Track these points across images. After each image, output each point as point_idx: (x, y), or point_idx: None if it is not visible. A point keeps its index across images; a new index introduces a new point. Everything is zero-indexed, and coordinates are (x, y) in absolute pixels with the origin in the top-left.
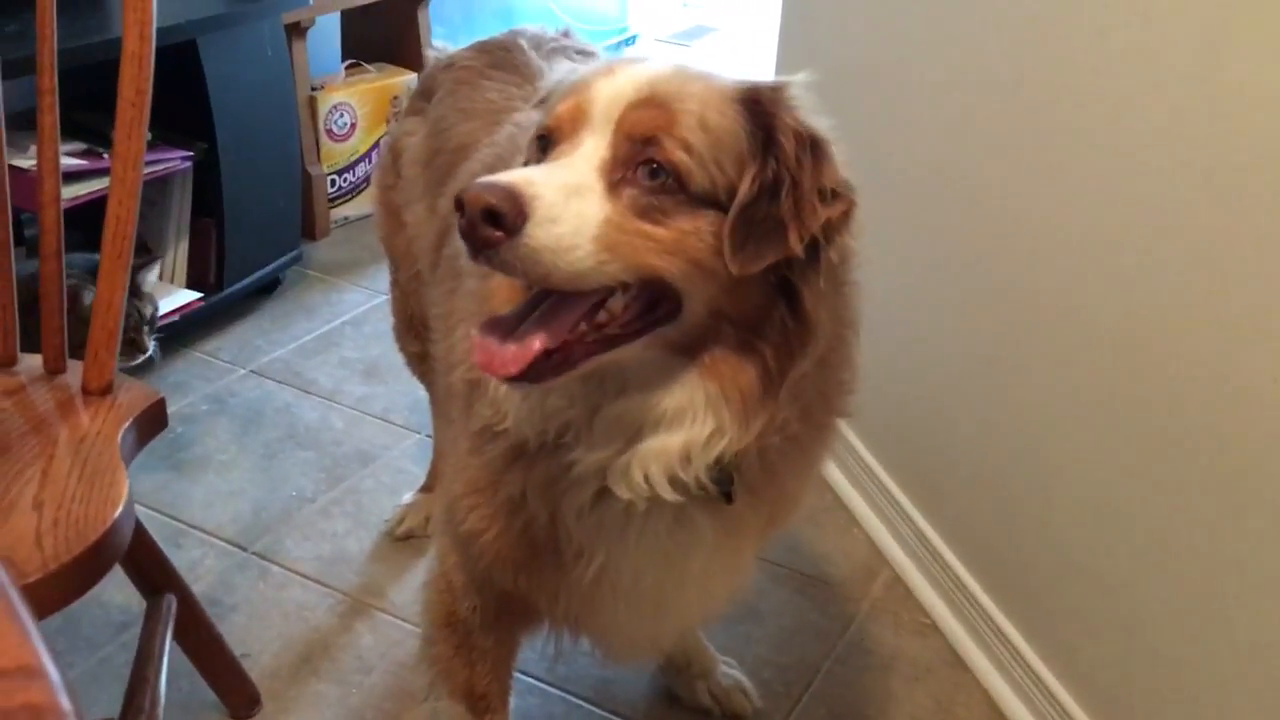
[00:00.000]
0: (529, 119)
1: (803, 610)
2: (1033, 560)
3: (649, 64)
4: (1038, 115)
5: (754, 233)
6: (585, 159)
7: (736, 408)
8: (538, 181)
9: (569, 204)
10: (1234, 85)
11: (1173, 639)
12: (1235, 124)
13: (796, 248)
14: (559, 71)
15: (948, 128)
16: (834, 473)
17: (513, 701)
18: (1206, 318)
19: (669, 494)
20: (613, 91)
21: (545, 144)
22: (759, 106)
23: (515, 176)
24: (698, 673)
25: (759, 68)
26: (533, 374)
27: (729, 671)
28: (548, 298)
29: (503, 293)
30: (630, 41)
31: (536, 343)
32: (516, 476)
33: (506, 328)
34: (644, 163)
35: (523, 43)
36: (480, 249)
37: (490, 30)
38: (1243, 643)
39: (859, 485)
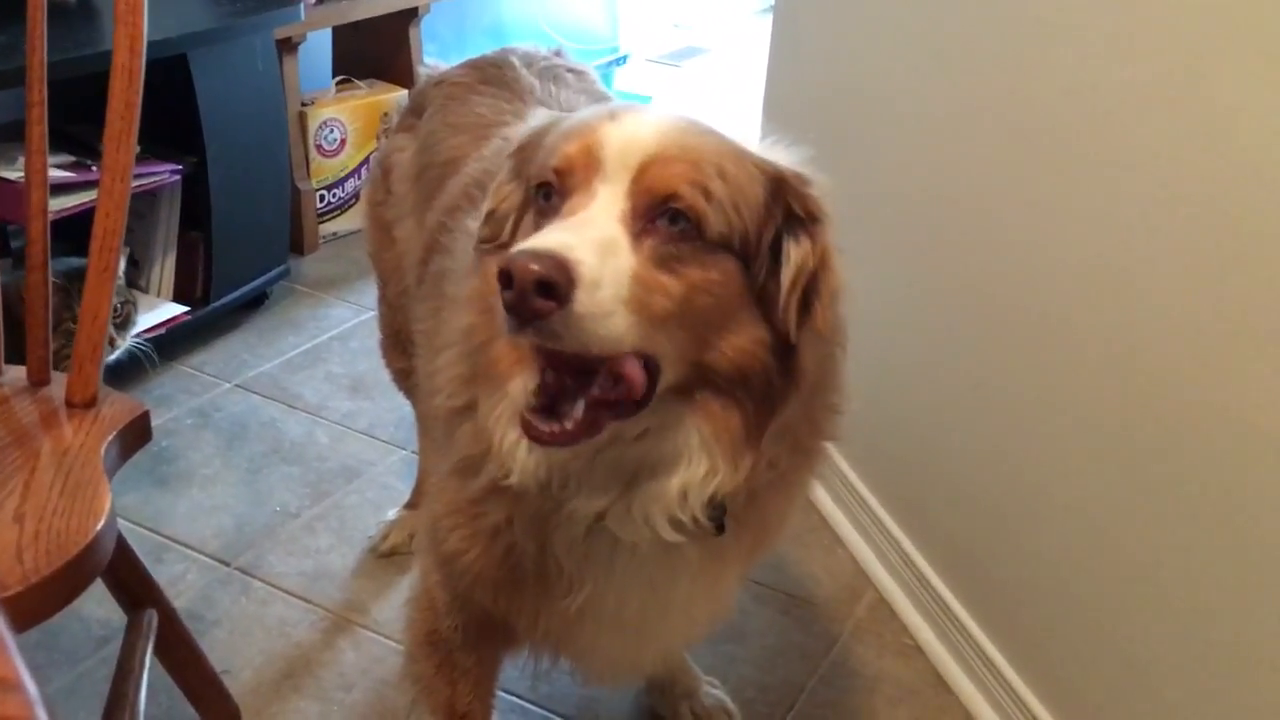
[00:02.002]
0: (503, 153)
1: (787, 630)
2: (1017, 582)
3: (654, 113)
4: (1021, 133)
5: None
6: (606, 211)
7: (727, 448)
8: (576, 244)
9: (606, 265)
10: (1218, 106)
11: (1160, 662)
12: (1220, 142)
13: (825, 328)
14: (537, 119)
15: (933, 148)
16: (819, 493)
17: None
18: (1189, 339)
19: (669, 535)
20: (626, 140)
21: (548, 191)
22: (782, 180)
23: (554, 242)
24: (681, 693)
25: (749, 89)
26: (570, 439)
27: (712, 691)
28: (562, 361)
29: (507, 358)
30: (621, 61)
31: (576, 415)
32: (502, 508)
33: (546, 402)
34: (664, 213)
35: (514, 60)
36: (530, 321)
37: (481, 48)
38: (1232, 666)
39: (843, 505)
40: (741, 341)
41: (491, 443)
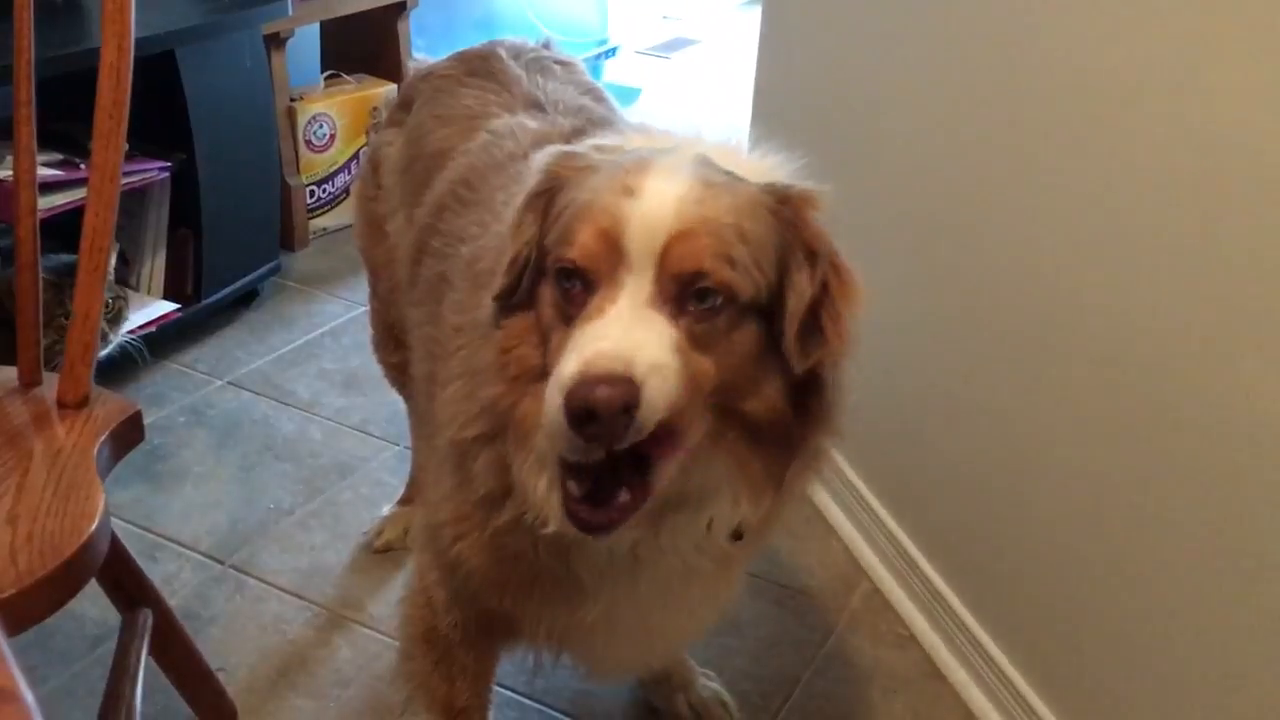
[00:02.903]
0: (517, 224)
1: (781, 622)
2: (1010, 572)
3: (670, 178)
4: (1012, 122)
5: (805, 333)
6: (634, 300)
7: (749, 487)
8: (629, 352)
9: (658, 360)
10: (1210, 102)
11: (1152, 651)
12: (1213, 138)
13: (839, 346)
14: (548, 156)
15: (923, 140)
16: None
17: (491, 715)
18: (1183, 332)
19: (695, 561)
20: (646, 221)
21: (569, 274)
22: (792, 207)
23: (611, 358)
24: (677, 685)
25: (738, 80)
26: (621, 520)
27: (708, 684)
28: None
29: (534, 414)
30: (610, 53)
31: (623, 497)
32: (525, 538)
33: (590, 486)
34: (694, 293)
35: (501, 52)
36: (604, 443)
37: (471, 41)
38: (1224, 653)
39: (837, 497)
40: (766, 393)
41: (526, 494)
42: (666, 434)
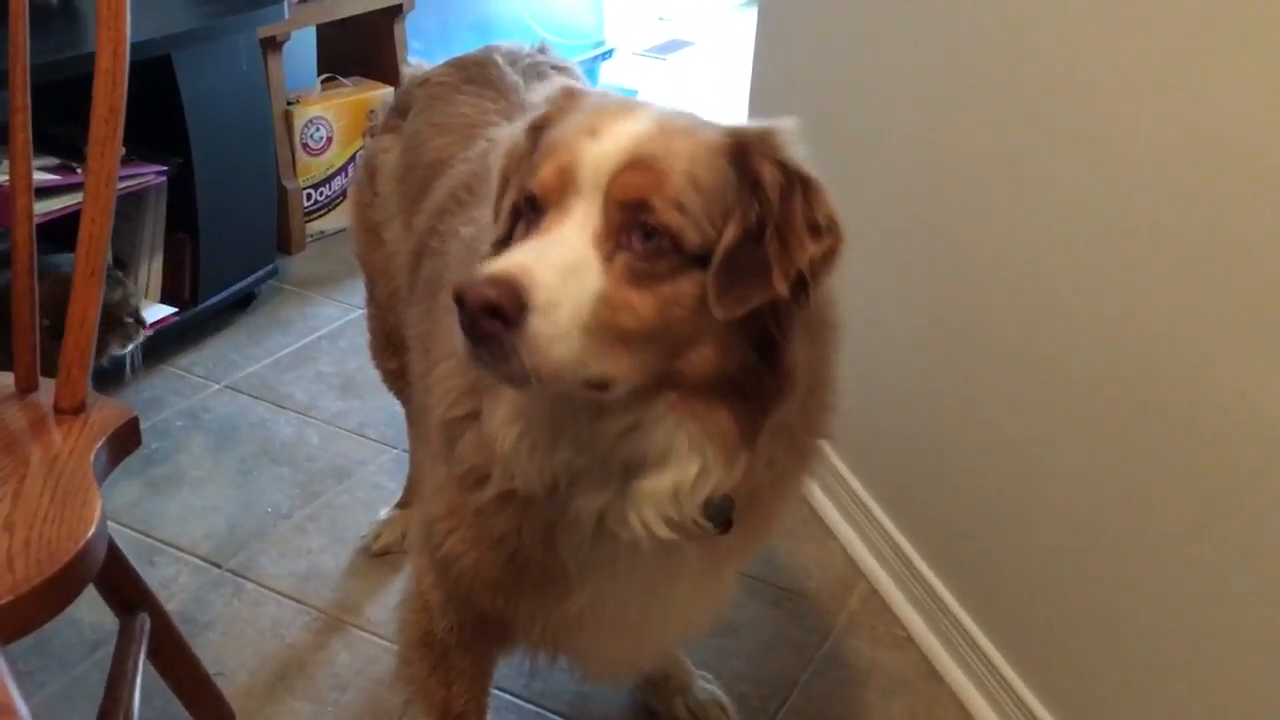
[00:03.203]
0: (511, 132)
1: (779, 624)
2: (1008, 573)
3: (634, 119)
4: (1010, 124)
5: (739, 277)
6: (577, 230)
7: (719, 449)
8: (535, 266)
9: (567, 286)
10: (1206, 99)
11: (1148, 652)
12: (1208, 135)
13: (781, 288)
14: (544, 91)
15: (921, 140)
16: (810, 486)
17: (490, 719)
18: (1179, 334)
19: (664, 533)
20: (598, 155)
21: (532, 204)
22: (745, 153)
23: (513, 265)
24: (675, 688)
25: (734, 82)
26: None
27: (706, 686)
28: None
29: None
30: (607, 56)
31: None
32: (510, 518)
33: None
34: (638, 227)
35: (498, 58)
36: (481, 344)
37: (467, 44)
38: (1219, 657)
39: (835, 498)
40: (709, 351)
41: (495, 448)
42: None
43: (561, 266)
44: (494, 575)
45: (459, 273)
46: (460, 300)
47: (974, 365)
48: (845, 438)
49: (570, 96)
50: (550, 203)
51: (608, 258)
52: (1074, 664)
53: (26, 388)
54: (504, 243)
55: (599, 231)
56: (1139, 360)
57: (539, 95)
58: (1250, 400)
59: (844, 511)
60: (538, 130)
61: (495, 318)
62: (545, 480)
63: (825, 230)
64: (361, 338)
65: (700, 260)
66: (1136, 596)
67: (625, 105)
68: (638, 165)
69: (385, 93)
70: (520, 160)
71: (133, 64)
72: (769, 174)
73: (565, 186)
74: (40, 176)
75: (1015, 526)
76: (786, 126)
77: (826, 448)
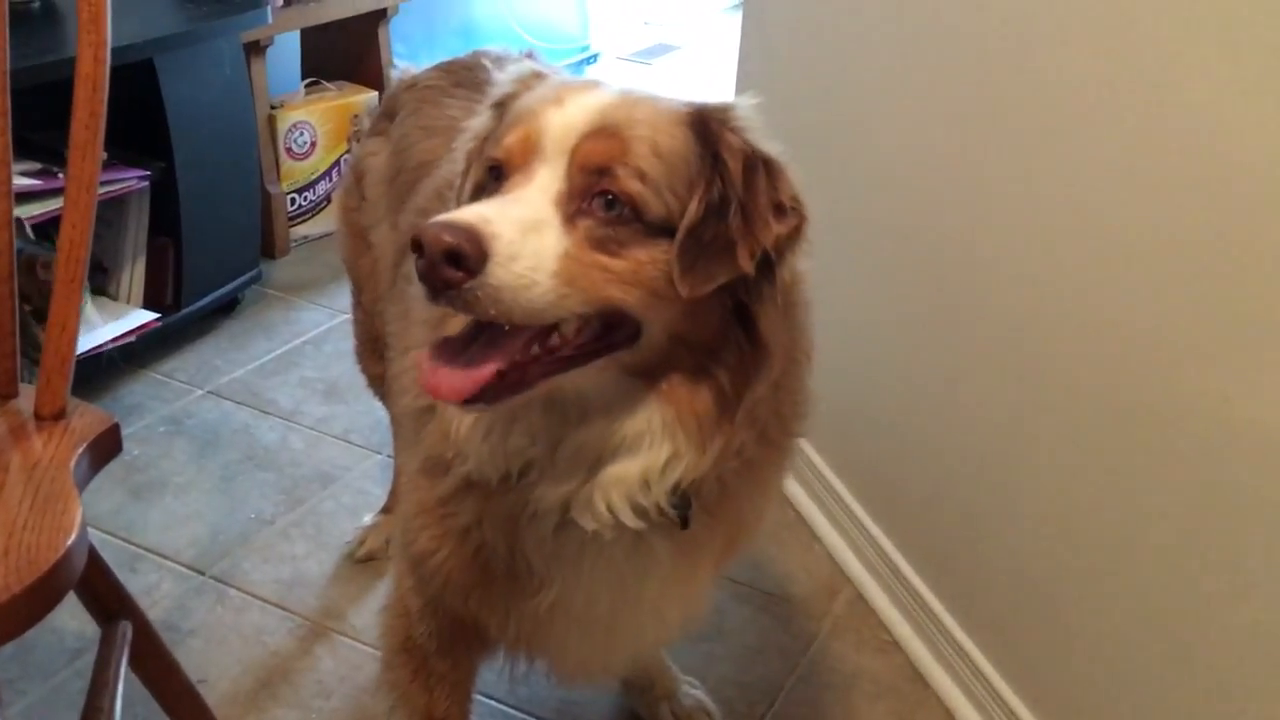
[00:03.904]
0: (478, 123)
1: (765, 628)
2: (993, 577)
3: (598, 91)
4: (996, 127)
5: (704, 253)
6: (540, 191)
7: (692, 433)
8: (495, 219)
9: (527, 240)
10: (1195, 100)
11: (1132, 654)
12: (1197, 135)
13: (746, 265)
14: (510, 72)
15: (906, 143)
16: (795, 490)
17: None
18: (1163, 336)
19: (631, 521)
20: (563, 122)
21: (498, 173)
22: (707, 128)
23: (472, 215)
24: (661, 693)
25: (720, 86)
26: (487, 396)
27: (692, 692)
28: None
29: (456, 320)
30: (592, 60)
31: (489, 365)
32: (471, 508)
33: (455, 350)
34: (599, 194)
35: (486, 63)
36: (441, 290)
37: (451, 49)
38: (1205, 655)
39: (820, 502)
40: (689, 323)
41: (450, 434)
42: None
43: (522, 222)
44: (462, 574)
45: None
46: (419, 245)
47: (959, 369)
48: (831, 442)
49: (537, 76)
50: (514, 167)
51: (569, 220)
52: (1059, 668)
53: (6, 394)
54: None
55: (561, 194)
56: (1123, 364)
57: (505, 75)
58: (1233, 403)
59: (829, 516)
60: (503, 106)
61: (455, 266)
62: (499, 467)
63: (790, 210)
64: (346, 343)
65: (664, 231)
66: (1121, 600)
67: (589, 81)
68: (602, 132)
69: (369, 97)
70: (485, 139)
71: (115, 68)
72: (731, 147)
73: (529, 152)
74: (21, 181)
75: (1000, 531)
76: (746, 103)
77: (812, 451)
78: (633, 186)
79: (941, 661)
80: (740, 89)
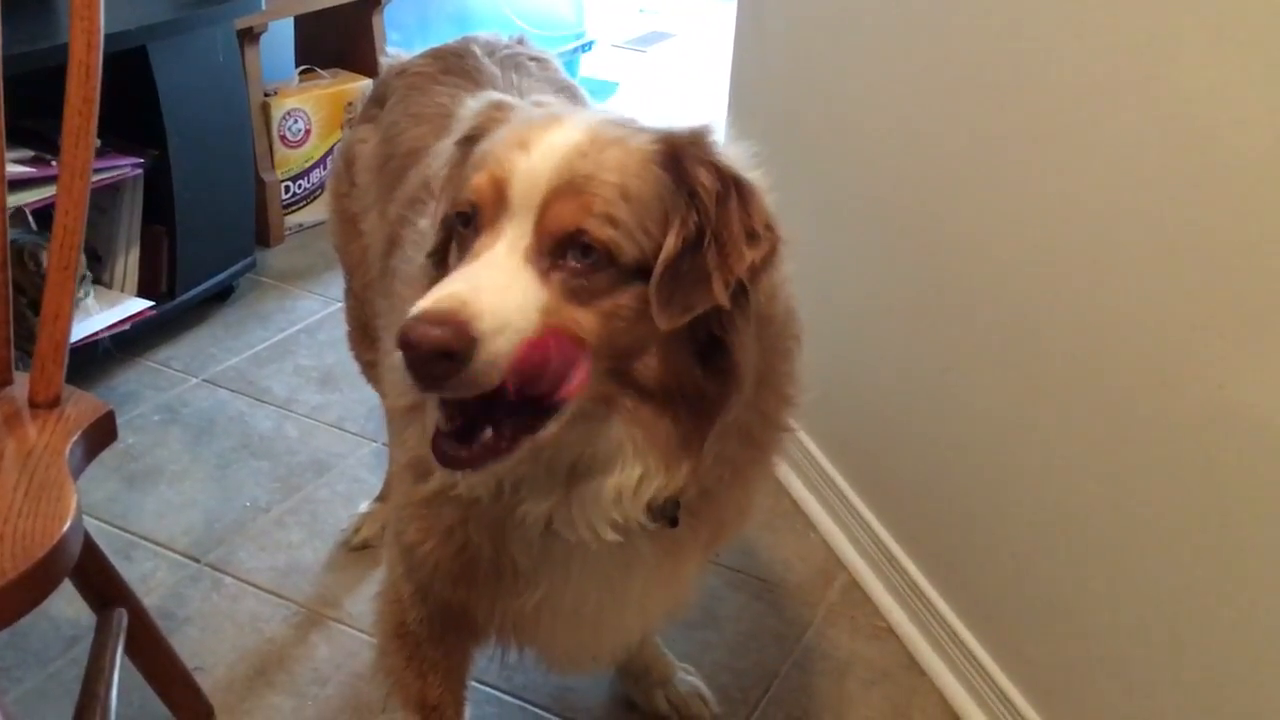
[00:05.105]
0: (446, 152)
1: (760, 615)
2: (987, 564)
3: (564, 130)
4: (989, 118)
5: (680, 285)
6: (510, 249)
7: (660, 455)
8: (471, 297)
9: (509, 312)
10: (1184, 95)
11: (1126, 641)
12: (1187, 131)
13: (722, 297)
14: (480, 101)
15: (900, 130)
16: (790, 477)
17: (471, 711)
18: (1157, 325)
19: (610, 536)
20: (529, 173)
21: (464, 220)
22: (679, 158)
23: (450, 300)
24: (656, 680)
25: (715, 73)
26: (487, 464)
27: (687, 678)
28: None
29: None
30: (586, 48)
31: (487, 439)
32: (454, 512)
33: (457, 425)
34: (574, 245)
35: (476, 49)
36: (433, 385)
37: (445, 36)
38: (1194, 647)
39: (815, 490)
40: (653, 361)
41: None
42: (545, 385)
43: (499, 290)
44: (449, 566)
45: (408, 288)
46: (407, 344)
47: (954, 357)
48: (825, 429)
49: (499, 108)
50: (484, 221)
51: (544, 275)
52: (1053, 654)
53: (0, 381)
54: (437, 254)
55: (531, 250)
56: (1118, 353)
57: (466, 110)
58: (1227, 392)
59: (824, 503)
60: (469, 142)
61: (445, 359)
62: (489, 486)
63: (762, 236)
64: (340, 331)
65: (639, 272)
66: (1115, 586)
67: (554, 116)
68: (569, 189)
69: (363, 84)
70: (452, 173)
71: (108, 55)
72: (703, 179)
73: (497, 204)
74: (14, 169)
75: (995, 518)
76: (714, 126)
77: (807, 440)
78: (605, 233)
79: (936, 647)
80: (735, 76)
